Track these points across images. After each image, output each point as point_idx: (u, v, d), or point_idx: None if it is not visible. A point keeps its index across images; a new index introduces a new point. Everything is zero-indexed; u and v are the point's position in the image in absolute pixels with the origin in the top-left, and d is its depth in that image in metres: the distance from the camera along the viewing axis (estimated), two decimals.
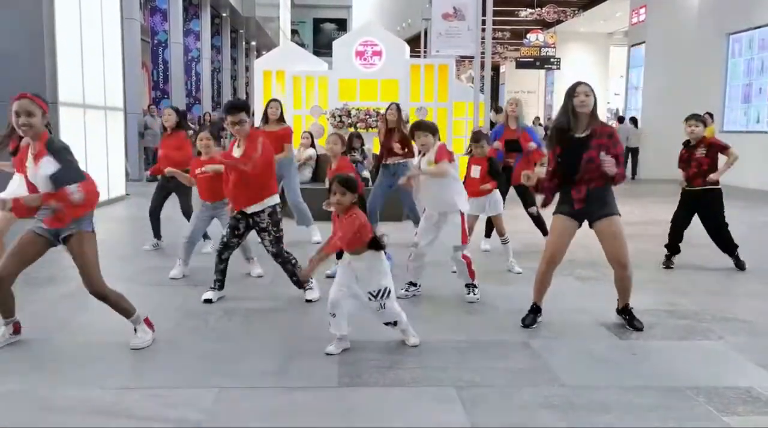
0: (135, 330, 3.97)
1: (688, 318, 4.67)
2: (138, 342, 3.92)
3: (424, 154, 4.95)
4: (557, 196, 4.39)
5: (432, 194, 4.96)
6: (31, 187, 3.70)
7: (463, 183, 5.53)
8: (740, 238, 6.41)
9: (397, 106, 7.52)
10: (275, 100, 7.55)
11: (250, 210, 4.79)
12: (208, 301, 4.84)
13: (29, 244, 3.75)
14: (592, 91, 4.24)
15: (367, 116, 10.53)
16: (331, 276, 5.29)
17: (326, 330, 3.89)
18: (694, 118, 6.16)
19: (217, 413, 3.09)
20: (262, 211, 4.79)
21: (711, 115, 12.55)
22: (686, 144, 6.23)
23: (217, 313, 4.65)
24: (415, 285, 5.16)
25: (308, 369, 3.63)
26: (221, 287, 4.95)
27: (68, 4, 9.20)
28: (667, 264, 6.33)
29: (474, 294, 5.02)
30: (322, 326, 4.02)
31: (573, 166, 4.17)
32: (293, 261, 4.92)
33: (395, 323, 3.96)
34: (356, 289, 3.84)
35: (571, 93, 4.23)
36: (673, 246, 6.34)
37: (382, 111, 10.55)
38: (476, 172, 6.02)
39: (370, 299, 3.84)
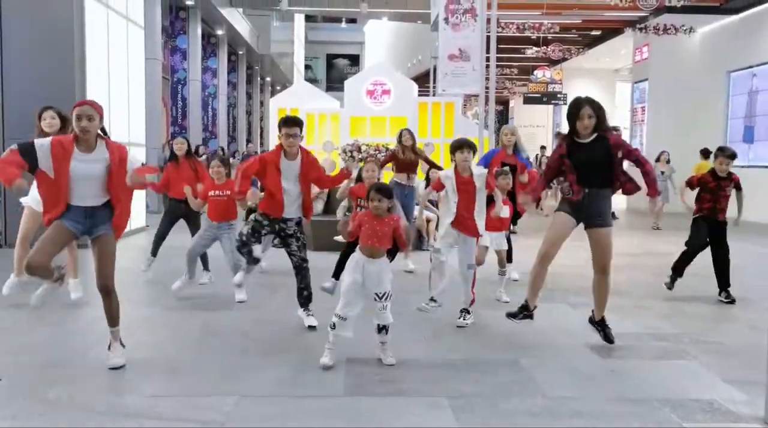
0: (110, 346, 4.28)
1: (667, 340, 5.07)
2: (117, 360, 4.24)
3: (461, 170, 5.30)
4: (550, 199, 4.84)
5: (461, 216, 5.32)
6: (65, 177, 4.02)
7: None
8: (731, 267, 6.76)
9: (410, 130, 8.44)
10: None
11: (287, 214, 5.19)
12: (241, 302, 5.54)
13: (62, 236, 4.16)
14: (595, 107, 4.54)
15: (377, 151, 11.08)
16: (327, 290, 5.74)
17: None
18: (728, 155, 6.42)
19: (237, 416, 3.54)
20: (291, 219, 5.23)
21: (707, 152, 12.89)
22: (714, 175, 6.48)
23: (236, 332, 5.11)
24: (435, 301, 5.51)
25: (317, 380, 4.07)
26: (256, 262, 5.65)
27: (98, 47, 9.85)
28: (671, 285, 6.63)
29: (465, 320, 5.40)
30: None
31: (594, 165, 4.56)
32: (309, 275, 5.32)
33: (386, 330, 4.37)
34: (362, 290, 4.30)
35: (575, 114, 4.58)
36: (682, 269, 6.61)
37: (392, 146, 11.19)
38: (504, 212, 6.09)
39: (375, 299, 4.30)
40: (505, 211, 6.09)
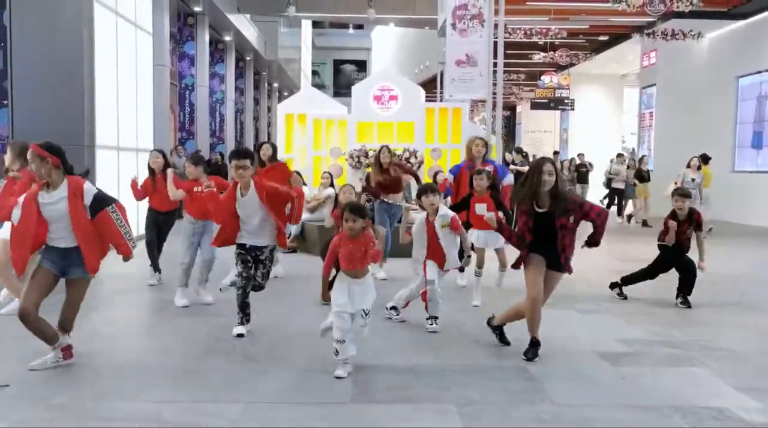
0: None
1: (676, 347, 5.03)
2: (40, 363, 4.31)
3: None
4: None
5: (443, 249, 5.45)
6: (43, 223, 4.24)
7: (468, 218, 6.03)
8: (737, 272, 6.72)
9: (389, 148, 8.15)
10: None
11: (259, 243, 5.16)
12: (240, 335, 5.12)
13: (45, 278, 4.30)
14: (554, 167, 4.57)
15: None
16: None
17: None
18: (682, 194, 6.42)
19: (244, 423, 3.52)
20: (266, 247, 5.21)
21: (707, 158, 12.85)
22: (673, 216, 6.44)
23: (243, 339, 5.09)
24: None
25: (324, 387, 4.05)
26: (249, 320, 5.27)
27: (106, 53, 9.90)
28: (620, 293, 6.63)
29: (433, 324, 5.41)
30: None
31: (547, 233, 4.57)
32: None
33: (342, 353, 4.26)
34: (352, 310, 4.28)
35: (540, 171, 4.53)
36: (632, 282, 6.60)
37: (399, 151, 11.13)
38: (482, 209, 6.21)
39: (362, 316, 4.30)
40: (485, 209, 6.04)
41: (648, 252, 10.25)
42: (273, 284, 7.26)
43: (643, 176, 14.69)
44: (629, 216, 15.12)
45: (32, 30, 9.06)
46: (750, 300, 6.58)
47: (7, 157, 5.71)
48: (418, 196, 5.58)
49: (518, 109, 35.40)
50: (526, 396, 3.93)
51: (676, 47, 17.02)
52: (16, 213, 4.28)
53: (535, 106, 24.99)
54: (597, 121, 27.90)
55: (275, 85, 36.29)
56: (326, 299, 4.58)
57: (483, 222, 6.23)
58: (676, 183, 14.70)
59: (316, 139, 11.51)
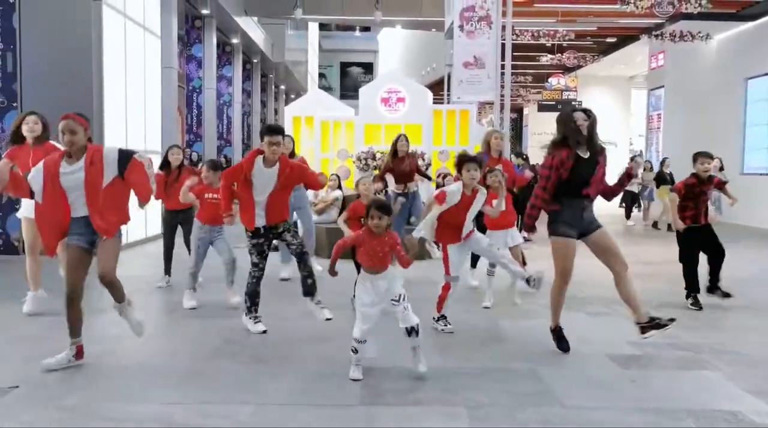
0: (121, 312, 4.54)
1: (687, 349, 4.99)
2: (56, 362, 4.30)
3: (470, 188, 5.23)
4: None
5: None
6: (61, 194, 4.24)
7: (481, 216, 5.92)
8: (746, 275, 6.68)
9: (406, 137, 8.22)
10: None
11: (273, 222, 5.22)
12: (264, 332, 5.25)
13: (77, 254, 4.29)
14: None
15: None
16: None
17: (348, 354, 4.26)
18: (707, 156, 6.38)
19: (253, 425, 3.51)
20: (282, 222, 5.30)
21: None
22: (698, 180, 6.38)
23: (253, 340, 5.09)
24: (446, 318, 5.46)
25: (334, 389, 4.03)
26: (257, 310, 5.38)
27: (115, 55, 9.93)
28: (697, 304, 6.39)
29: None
30: (345, 352, 4.36)
31: (582, 182, 4.66)
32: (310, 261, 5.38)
33: (416, 332, 4.23)
34: (380, 305, 4.24)
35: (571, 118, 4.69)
36: (695, 285, 6.47)
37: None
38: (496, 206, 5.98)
39: (394, 304, 4.25)
40: (501, 206, 5.82)
41: (658, 253, 10.26)
42: (282, 286, 7.30)
43: (665, 179, 14.40)
44: (655, 223, 14.58)
45: (41, 32, 9.10)
46: (761, 303, 6.53)
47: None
48: (458, 167, 5.26)
49: (525, 111, 35.36)
50: (535, 399, 3.90)
51: (684, 49, 16.97)
52: (35, 176, 4.29)
53: (543, 108, 24.96)
54: (605, 123, 27.72)
55: (282, 87, 36.39)
56: (333, 273, 4.51)
57: (498, 221, 6.12)
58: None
59: (324, 141, 11.53)
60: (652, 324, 4.62)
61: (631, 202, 15.73)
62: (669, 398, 3.94)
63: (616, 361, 4.67)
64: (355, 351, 4.22)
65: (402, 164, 8.04)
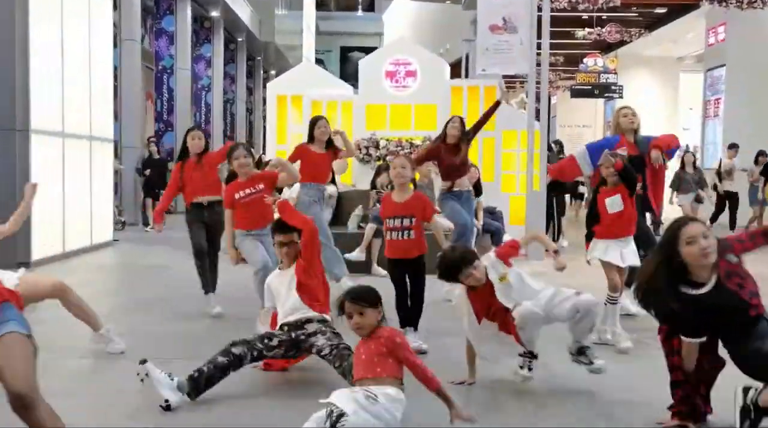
0: None
1: None
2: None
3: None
4: None
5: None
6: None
7: (594, 221, 5.06)
8: None
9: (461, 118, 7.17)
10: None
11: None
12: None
13: None
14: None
15: (399, 148, 9.92)
16: None
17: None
18: None
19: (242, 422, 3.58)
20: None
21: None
22: None
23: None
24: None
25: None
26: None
27: (48, 15, 8.81)
28: None
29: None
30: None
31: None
32: None
33: None
34: None
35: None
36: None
37: (418, 141, 10.04)
38: (616, 204, 4.93)
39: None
40: (618, 204, 4.88)
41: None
42: None
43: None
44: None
45: None
46: None
47: None
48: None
49: (553, 99, 34.17)
50: None
51: (749, 19, 15.98)
52: None
53: (576, 93, 23.70)
54: (648, 113, 26.59)
55: (272, 72, 35.37)
56: None
57: (613, 227, 4.95)
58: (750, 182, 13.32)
59: None
60: None
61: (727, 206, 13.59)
62: None
63: None
64: None
65: (454, 154, 6.81)
